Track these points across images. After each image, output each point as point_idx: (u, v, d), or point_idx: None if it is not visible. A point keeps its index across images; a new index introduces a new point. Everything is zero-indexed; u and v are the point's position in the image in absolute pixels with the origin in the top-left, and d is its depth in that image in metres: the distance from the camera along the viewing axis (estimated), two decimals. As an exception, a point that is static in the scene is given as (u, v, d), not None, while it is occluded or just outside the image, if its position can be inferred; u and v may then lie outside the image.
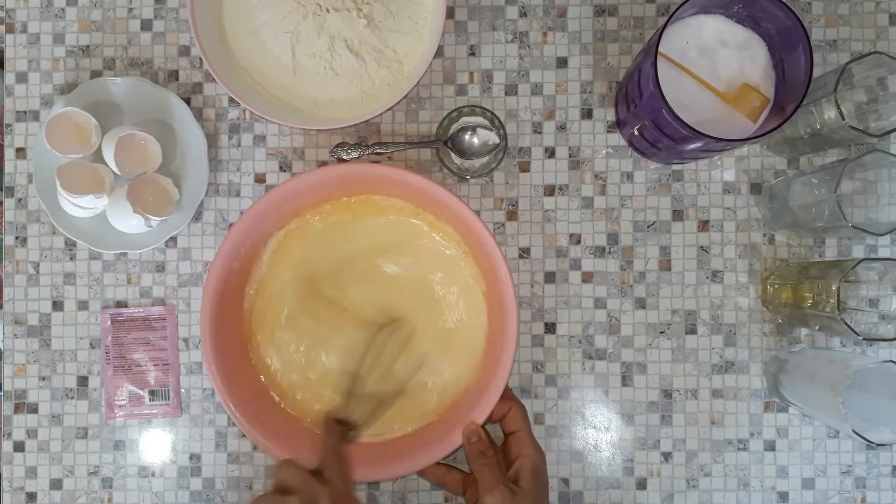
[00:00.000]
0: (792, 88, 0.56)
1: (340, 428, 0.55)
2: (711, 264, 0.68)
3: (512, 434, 0.59)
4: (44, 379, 0.68)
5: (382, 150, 0.66)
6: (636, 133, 0.64)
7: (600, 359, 0.67)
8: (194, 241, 0.69)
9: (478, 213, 0.63)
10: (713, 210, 0.68)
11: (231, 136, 0.69)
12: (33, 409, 0.68)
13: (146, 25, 0.69)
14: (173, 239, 0.68)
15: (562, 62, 0.68)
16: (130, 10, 0.69)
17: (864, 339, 0.57)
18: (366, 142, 0.67)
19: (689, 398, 0.67)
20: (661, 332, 0.68)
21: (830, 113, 0.57)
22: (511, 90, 0.68)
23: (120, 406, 0.67)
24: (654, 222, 0.68)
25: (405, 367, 0.62)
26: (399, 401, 0.62)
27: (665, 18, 0.55)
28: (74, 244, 0.69)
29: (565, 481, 0.67)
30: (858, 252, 0.68)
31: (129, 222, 0.63)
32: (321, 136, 0.69)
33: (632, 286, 0.68)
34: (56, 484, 0.68)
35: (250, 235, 0.62)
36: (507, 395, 0.59)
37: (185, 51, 0.69)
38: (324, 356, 0.65)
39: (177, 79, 0.69)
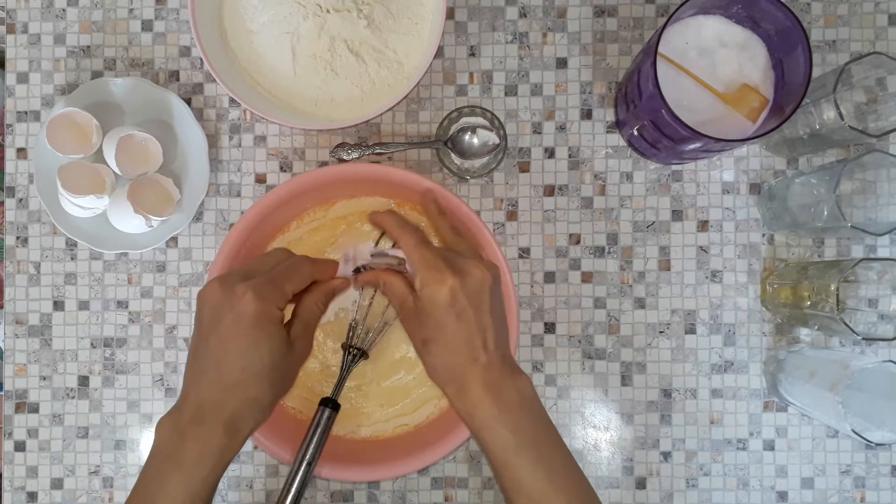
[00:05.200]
0: (791, 89, 0.56)
1: (354, 353, 0.60)
2: (711, 264, 0.68)
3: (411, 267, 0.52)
4: (44, 379, 0.68)
5: (383, 151, 0.66)
6: (636, 133, 0.64)
7: (600, 358, 0.68)
8: (195, 241, 0.69)
9: (478, 213, 0.63)
10: (712, 210, 0.68)
11: (231, 136, 0.69)
12: (34, 408, 0.68)
13: (147, 26, 0.69)
14: (174, 239, 0.69)
15: (561, 63, 0.69)
16: (131, 10, 0.69)
17: (863, 338, 0.57)
18: (366, 142, 0.67)
19: (688, 398, 0.67)
20: (661, 332, 0.68)
21: (830, 113, 0.57)
22: (511, 90, 0.68)
23: None
24: (654, 222, 0.68)
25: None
26: (393, 324, 0.63)
27: (664, 19, 0.55)
28: (75, 244, 0.69)
29: (565, 481, 0.67)
30: (857, 252, 0.68)
31: (129, 222, 0.63)
32: (321, 136, 0.69)
33: (631, 286, 0.68)
34: (57, 483, 0.68)
35: (251, 235, 0.62)
36: (396, 223, 0.54)
37: (185, 51, 0.69)
38: (327, 354, 0.66)
39: (177, 79, 0.69)
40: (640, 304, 0.68)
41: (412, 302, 0.52)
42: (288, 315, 0.52)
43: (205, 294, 0.48)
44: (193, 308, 0.68)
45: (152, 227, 0.64)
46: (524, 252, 0.68)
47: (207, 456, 0.46)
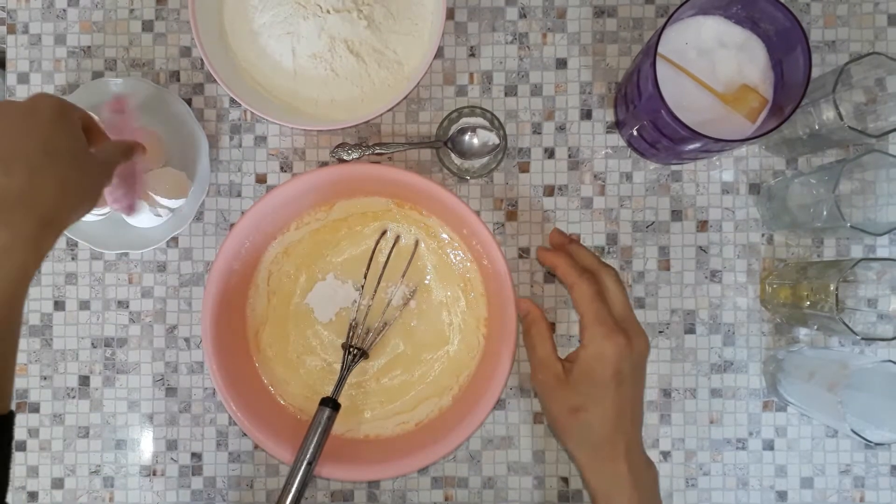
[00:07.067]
0: (790, 89, 0.56)
1: (354, 353, 0.60)
2: (710, 264, 0.68)
3: (580, 318, 0.52)
4: (45, 378, 0.69)
5: (383, 151, 0.66)
6: (635, 133, 0.64)
7: (600, 358, 0.68)
8: (195, 242, 0.69)
9: (478, 213, 0.63)
10: (712, 210, 0.68)
11: (232, 136, 0.69)
12: (35, 408, 0.69)
13: (147, 26, 0.69)
14: (174, 239, 0.69)
15: (561, 63, 0.69)
16: (132, 10, 0.69)
17: (862, 338, 0.57)
18: (366, 142, 0.67)
19: (687, 397, 0.68)
20: (660, 332, 0.68)
21: (829, 113, 0.57)
22: (511, 91, 0.69)
23: None
24: (653, 222, 0.68)
25: (399, 296, 0.64)
26: (393, 324, 0.64)
27: (664, 19, 0.55)
28: (76, 244, 0.69)
29: (564, 480, 0.67)
30: (857, 252, 0.68)
31: (141, 216, 0.63)
32: (322, 136, 0.69)
33: (631, 286, 0.68)
34: (57, 483, 0.68)
35: (251, 235, 0.62)
36: (571, 266, 0.54)
37: (186, 52, 0.69)
38: (328, 355, 0.66)
39: (178, 79, 0.69)
40: (640, 303, 0.68)
41: (560, 369, 0.51)
42: None
43: (5, 103, 0.47)
44: (193, 308, 0.68)
45: (160, 216, 0.64)
46: (524, 252, 0.68)
47: (19, 244, 0.43)
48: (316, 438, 0.59)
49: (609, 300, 0.53)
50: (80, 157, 0.48)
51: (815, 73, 0.55)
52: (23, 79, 0.70)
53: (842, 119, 0.55)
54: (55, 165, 0.45)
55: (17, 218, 0.44)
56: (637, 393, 0.50)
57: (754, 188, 0.68)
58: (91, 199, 0.50)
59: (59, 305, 0.69)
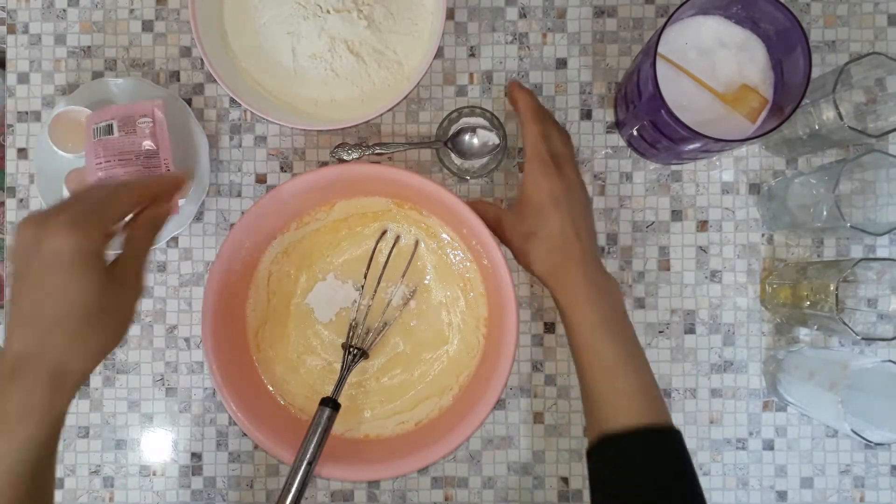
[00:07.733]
0: (790, 89, 0.56)
1: (354, 353, 0.62)
2: (710, 264, 0.68)
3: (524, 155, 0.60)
4: (45, 378, 0.68)
5: (383, 151, 0.66)
6: (635, 133, 0.64)
7: (600, 358, 0.68)
8: (195, 242, 0.69)
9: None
10: (712, 210, 0.68)
11: (232, 136, 0.69)
12: (35, 408, 0.68)
13: (147, 26, 0.69)
14: (175, 239, 0.69)
15: (561, 63, 0.69)
16: (132, 10, 0.69)
17: (862, 338, 0.57)
18: (366, 142, 0.67)
19: (688, 397, 0.68)
20: (660, 332, 0.68)
21: (829, 113, 0.57)
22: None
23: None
24: (653, 222, 0.68)
25: (399, 295, 0.65)
26: (393, 324, 0.64)
27: (664, 19, 0.55)
28: (76, 244, 0.69)
29: (565, 480, 0.67)
30: (857, 252, 0.68)
31: None
32: (322, 136, 0.69)
33: (631, 286, 0.68)
34: (58, 483, 0.68)
35: (251, 235, 0.62)
36: (534, 107, 0.61)
37: (186, 52, 0.69)
38: (328, 354, 0.66)
39: (178, 79, 0.69)
40: (640, 303, 0.68)
41: (502, 208, 0.60)
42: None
43: (17, 234, 0.42)
44: (193, 308, 0.68)
45: None
46: (524, 252, 0.68)
47: (31, 411, 0.42)
48: (316, 438, 0.59)
49: (551, 144, 0.60)
50: (100, 309, 0.43)
51: (815, 73, 0.55)
52: (23, 79, 0.70)
53: (842, 119, 0.55)
54: (69, 326, 0.42)
55: (30, 384, 0.42)
56: (576, 212, 0.56)
57: (754, 188, 0.68)
58: (112, 337, 0.46)
59: (59, 305, 0.69)
